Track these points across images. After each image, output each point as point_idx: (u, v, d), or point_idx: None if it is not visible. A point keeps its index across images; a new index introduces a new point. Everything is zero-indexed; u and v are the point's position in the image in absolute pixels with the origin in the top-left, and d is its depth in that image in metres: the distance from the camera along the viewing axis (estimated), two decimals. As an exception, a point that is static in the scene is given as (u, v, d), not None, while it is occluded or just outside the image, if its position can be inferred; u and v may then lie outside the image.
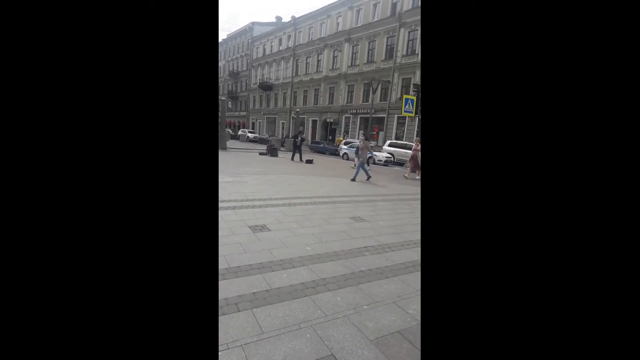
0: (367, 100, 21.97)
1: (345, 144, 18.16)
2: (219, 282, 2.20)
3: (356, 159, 9.70)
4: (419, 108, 12.84)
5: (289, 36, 30.95)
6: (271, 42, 33.64)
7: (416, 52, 19.57)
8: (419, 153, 9.62)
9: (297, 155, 13.20)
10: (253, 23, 36.76)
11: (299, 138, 13.49)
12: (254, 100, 37.13)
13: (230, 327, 1.71)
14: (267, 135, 27.07)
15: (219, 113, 14.76)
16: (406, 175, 10.13)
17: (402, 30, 20.43)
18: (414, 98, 12.77)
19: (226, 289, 2.11)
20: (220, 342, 1.59)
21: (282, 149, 18.45)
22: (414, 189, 7.65)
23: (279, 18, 36.92)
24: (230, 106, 38.58)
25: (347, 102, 24.91)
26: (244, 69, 38.72)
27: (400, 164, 15.51)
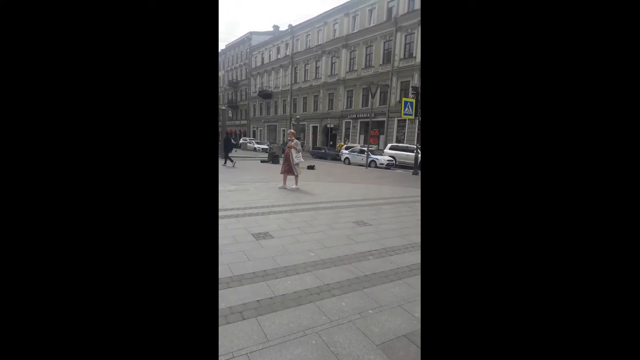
0: (366, 105, 22.06)
1: (347, 148, 18.22)
2: (223, 290, 2.19)
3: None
4: (419, 110, 12.87)
5: (287, 44, 31.26)
6: (269, 51, 33.97)
7: (413, 55, 19.68)
8: (293, 151, 6.76)
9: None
10: (251, 33, 37.19)
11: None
12: (254, 109, 37.38)
13: (235, 336, 1.71)
14: (267, 143, 27.08)
15: (219, 122, 14.87)
16: (281, 184, 6.99)
17: (398, 34, 20.59)
18: (413, 100, 12.80)
19: (230, 297, 2.10)
20: (225, 351, 1.58)
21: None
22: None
23: (276, 27, 37.33)
24: (230, 115, 38.85)
25: (346, 107, 25.02)
26: (243, 78, 39.07)
27: (403, 166, 15.50)
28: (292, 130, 7.51)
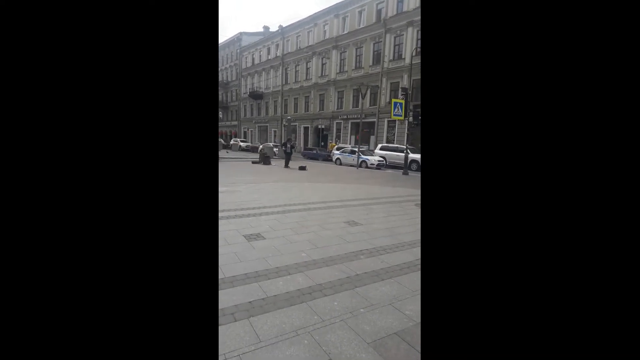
0: (357, 106, 22.15)
1: (338, 149, 18.27)
2: (215, 292, 2.18)
3: None
4: (409, 111, 13.00)
5: (277, 45, 31.16)
6: (260, 52, 33.80)
7: (402, 57, 19.86)
8: None
9: (290, 162, 13.31)
10: (241, 33, 36.93)
11: (288, 145, 13.75)
12: (245, 110, 37.13)
13: (228, 338, 1.70)
14: (259, 144, 26.91)
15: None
16: None
17: (387, 35, 20.75)
18: (403, 101, 12.92)
19: (222, 299, 2.09)
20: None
21: (274, 157, 18.43)
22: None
23: (266, 28, 37.17)
24: (221, 116, 38.56)
25: (337, 108, 25.08)
26: (234, 78, 38.77)
27: (393, 166, 15.62)
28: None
